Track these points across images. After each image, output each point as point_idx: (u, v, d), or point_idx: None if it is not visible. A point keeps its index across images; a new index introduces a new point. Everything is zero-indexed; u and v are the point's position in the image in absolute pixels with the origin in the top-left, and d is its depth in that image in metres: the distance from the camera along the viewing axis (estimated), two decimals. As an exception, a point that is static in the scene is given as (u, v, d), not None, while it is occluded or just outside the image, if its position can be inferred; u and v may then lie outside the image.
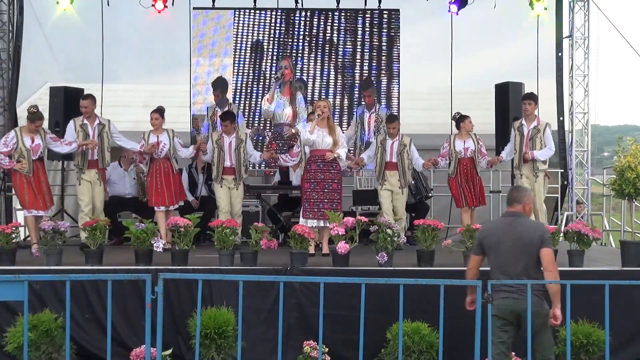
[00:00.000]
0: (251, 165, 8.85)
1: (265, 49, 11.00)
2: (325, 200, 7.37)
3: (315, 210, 7.33)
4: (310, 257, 6.75)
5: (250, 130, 10.43)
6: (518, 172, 8.18)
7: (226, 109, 10.14)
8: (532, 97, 8.25)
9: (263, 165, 10.10)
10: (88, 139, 8.01)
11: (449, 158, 8.33)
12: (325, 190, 7.39)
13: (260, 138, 10.76)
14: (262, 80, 10.97)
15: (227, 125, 8.32)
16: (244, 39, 11.01)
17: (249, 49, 11.00)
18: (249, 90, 10.98)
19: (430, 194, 9.81)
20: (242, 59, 11.00)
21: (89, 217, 7.84)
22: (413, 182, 9.00)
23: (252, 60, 11.01)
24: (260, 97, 10.91)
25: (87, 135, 8.02)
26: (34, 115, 7.67)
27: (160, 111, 8.30)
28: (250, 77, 11.00)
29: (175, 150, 8.28)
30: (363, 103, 10.76)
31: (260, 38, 11.02)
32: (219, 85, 10.78)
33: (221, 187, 8.21)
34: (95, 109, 8.32)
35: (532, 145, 8.04)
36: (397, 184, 8.26)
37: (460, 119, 8.45)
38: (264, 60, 11.00)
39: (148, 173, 8.27)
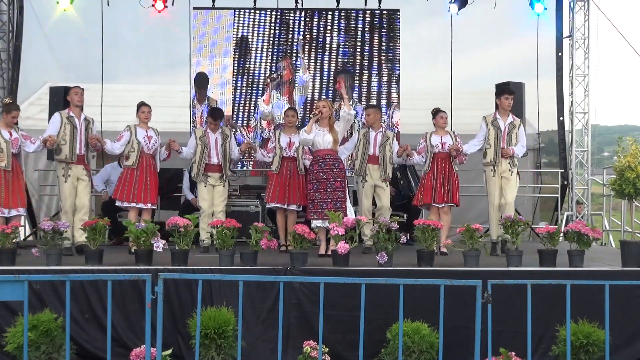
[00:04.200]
0: (238, 164, 8.72)
1: (265, 49, 11.01)
2: (329, 200, 7.33)
3: (319, 210, 7.31)
4: (313, 258, 6.74)
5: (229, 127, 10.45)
6: (491, 167, 7.87)
7: (205, 103, 10.15)
8: (513, 92, 8.19)
9: (250, 165, 10.12)
10: (76, 131, 7.64)
11: (425, 154, 8.04)
12: (328, 190, 7.36)
13: (260, 139, 10.77)
14: (262, 81, 10.98)
15: (216, 124, 8.16)
16: (244, 39, 11.02)
17: (249, 49, 11.01)
18: (249, 90, 10.99)
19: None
20: (242, 59, 11.02)
21: (71, 217, 7.60)
22: (402, 182, 8.92)
23: (252, 60, 11.03)
24: (260, 97, 10.93)
25: (74, 128, 7.64)
26: (10, 106, 7.53)
27: (148, 105, 8.02)
28: (250, 77, 11.01)
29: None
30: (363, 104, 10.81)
31: (261, 38, 11.03)
32: (198, 81, 10.87)
33: (205, 186, 8.08)
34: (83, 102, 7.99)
35: (508, 141, 7.88)
36: (379, 177, 7.99)
37: (433, 114, 8.22)
38: (264, 61, 11.02)
39: (137, 166, 7.79)
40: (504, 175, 7.90)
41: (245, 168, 10.95)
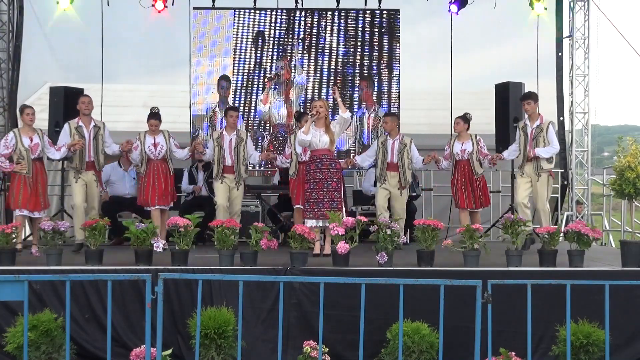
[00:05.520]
0: (251, 165, 8.81)
1: (265, 49, 11.02)
2: (325, 200, 7.34)
3: (316, 210, 7.31)
4: (311, 258, 6.74)
5: (250, 132, 10.43)
6: (519, 170, 8.09)
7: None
8: (531, 97, 8.18)
9: (262, 166, 10.11)
10: (84, 141, 7.93)
11: (450, 160, 8.38)
12: (325, 190, 7.37)
13: (260, 139, 10.77)
14: (262, 81, 10.98)
15: (233, 117, 8.31)
16: (244, 39, 11.02)
17: (249, 49, 11.01)
18: (248, 91, 10.99)
19: (416, 194, 9.62)
20: (242, 59, 11.02)
21: (83, 217, 7.86)
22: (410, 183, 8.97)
23: (252, 60, 11.03)
24: (259, 97, 10.93)
25: (82, 138, 7.95)
26: (22, 108, 7.85)
27: (158, 116, 8.26)
28: (250, 77, 11.01)
29: (170, 152, 8.28)
30: (363, 104, 10.83)
31: (260, 38, 11.03)
32: (225, 79, 10.85)
33: (221, 183, 8.22)
34: (92, 109, 8.25)
35: (535, 144, 7.95)
36: (396, 185, 8.27)
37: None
38: (264, 61, 11.02)
39: (145, 173, 8.19)
40: (532, 179, 8.02)
41: (262, 168, 10.93)
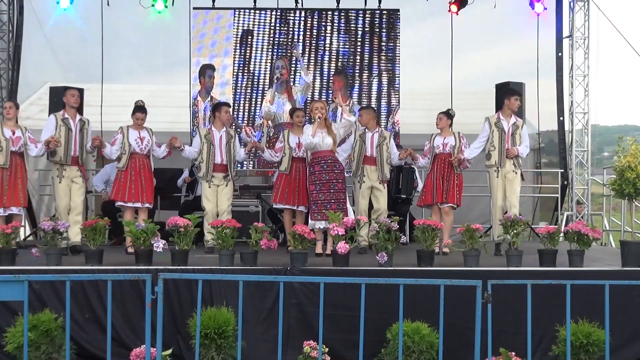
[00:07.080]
0: (238, 165, 8.71)
1: (265, 49, 11.03)
2: (332, 201, 7.34)
3: (324, 211, 7.28)
4: (311, 257, 6.73)
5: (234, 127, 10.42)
6: (495, 168, 7.88)
7: (208, 101, 10.14)
8: (521, 93, 8.17)
9: (250, 165, 10.08)
10: (70, 133, 7.69)
11: (430, 157, 8.13)
12: (332, 191, 7.37)
13: (261, 137, 10.78)
14: (262, 80, 11.00)
15: (229, 112, 8.18)
16: (244, 39, 11.03)
17: (249, 48, 11.03)
18: (248, 90, 11.00)
19: (404, 196, 9.26)
20: (242, 59, 11.03)
21: (66, 217, 7.62)
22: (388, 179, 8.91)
23: (252, 60, 11.04)
24: (260, 97, 10.94)
25: (69, 130, 7.69)
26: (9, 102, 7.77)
27: (145, 110, 7.95)
28: (250, 77, 11.02)
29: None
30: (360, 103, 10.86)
31: (261, 38, 11.04)
32: (210, 67, 10.76)
33: (209, 186, 8.01)
34: (79, 104, 8.04)
35: (512, 142, 7.86)
36: (376, 179, 8.06)
37: None
38: (264, 60, 11.03)
39: (126, 167, 7.76)
40: (507, 176, 7.90)
41: (245, 168, 10.94)
